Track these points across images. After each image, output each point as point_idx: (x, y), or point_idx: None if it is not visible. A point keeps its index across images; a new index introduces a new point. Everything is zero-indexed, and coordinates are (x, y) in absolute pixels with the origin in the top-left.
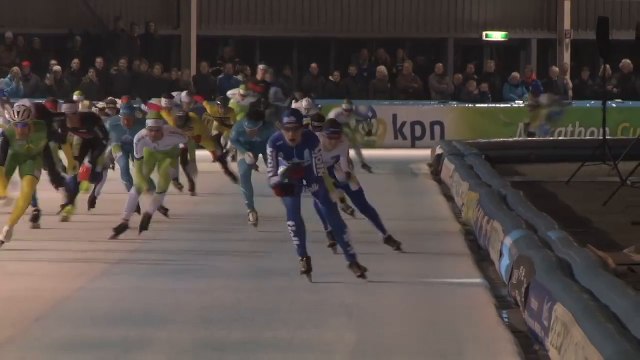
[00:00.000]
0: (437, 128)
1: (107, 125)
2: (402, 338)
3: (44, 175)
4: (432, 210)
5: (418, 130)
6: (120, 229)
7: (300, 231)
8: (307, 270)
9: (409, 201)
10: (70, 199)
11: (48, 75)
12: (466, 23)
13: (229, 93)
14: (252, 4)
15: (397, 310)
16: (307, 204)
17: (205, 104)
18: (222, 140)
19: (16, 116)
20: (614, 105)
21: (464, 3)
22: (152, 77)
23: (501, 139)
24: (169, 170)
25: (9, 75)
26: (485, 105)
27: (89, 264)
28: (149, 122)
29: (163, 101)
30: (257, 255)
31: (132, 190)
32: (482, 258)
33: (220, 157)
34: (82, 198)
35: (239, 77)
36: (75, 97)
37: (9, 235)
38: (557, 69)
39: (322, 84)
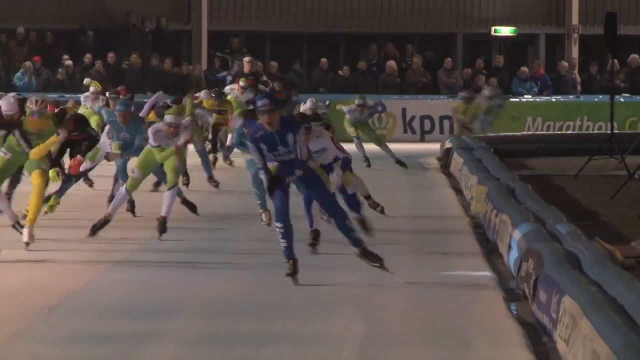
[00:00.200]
0: (446, 122)
1: (105, 117)
2: (410, 330)
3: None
4: (441, 203)
5: (427, 125)
6: (100, 224)
7: (288, 233)
8: (294, 273)
9: (418, 195)
10: (59, 192)
11: (60, 70)
12: (475, 18)
13: (228, 88)
14: None
15: (405, 303)
16: (298, 203)
17: (201, 98)
18: (222, 135)
19: (34, 105)
20: (621, 99)
21: None
22: (163, 71)
23: (510, 133)
24: (177, 164)
25: (21, 70)
26: None
27: (98, 258)
28: (169, 118)
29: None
30: (265, 250)
31: (123, 188)
32: (490, 251)
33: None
34: (76, 194)
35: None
36: (92, 89)
37: (31, 236)
38: (565, 63)
39: (331, 78)
